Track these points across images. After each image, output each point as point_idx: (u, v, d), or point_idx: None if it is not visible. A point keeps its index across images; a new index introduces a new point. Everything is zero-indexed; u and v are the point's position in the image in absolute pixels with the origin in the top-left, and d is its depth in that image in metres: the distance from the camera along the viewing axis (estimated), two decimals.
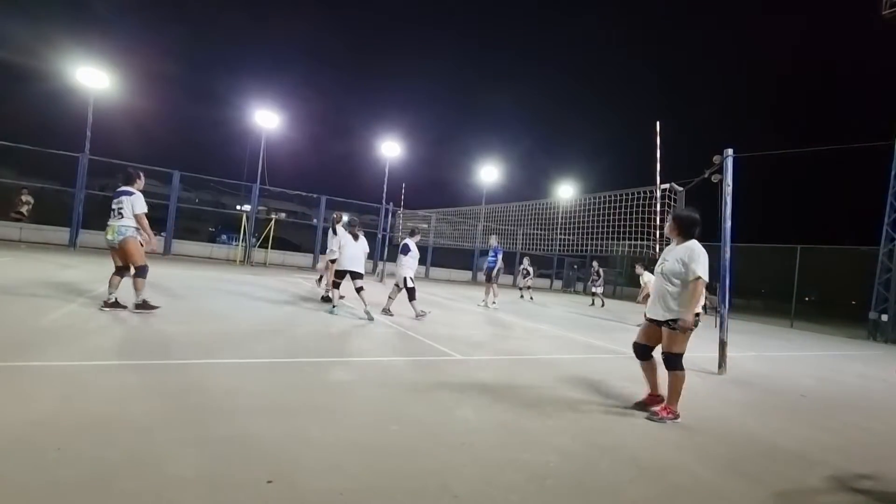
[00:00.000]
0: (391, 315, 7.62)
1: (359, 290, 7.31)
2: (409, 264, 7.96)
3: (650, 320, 3.70)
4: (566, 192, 23.91)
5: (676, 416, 3.50)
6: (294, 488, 1.98)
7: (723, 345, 5.69)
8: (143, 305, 5.46)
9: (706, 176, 6.01)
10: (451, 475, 2.26)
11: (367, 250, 7.80)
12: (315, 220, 20.42)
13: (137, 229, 5.57)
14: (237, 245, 18.67)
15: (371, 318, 6.96)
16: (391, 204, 19.84)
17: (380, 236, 19.01)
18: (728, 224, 5.73)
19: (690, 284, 3.45)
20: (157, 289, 8.00)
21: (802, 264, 15.78)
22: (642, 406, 3.70)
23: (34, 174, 17.45)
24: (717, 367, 5.66)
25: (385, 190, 20.20)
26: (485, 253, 14.60)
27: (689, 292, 3.45)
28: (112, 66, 16.25)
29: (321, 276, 10.51)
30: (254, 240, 18.14)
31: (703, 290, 3.49)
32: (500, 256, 11.67)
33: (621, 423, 3.37)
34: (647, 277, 10.13)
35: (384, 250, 17.89)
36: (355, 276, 7.36)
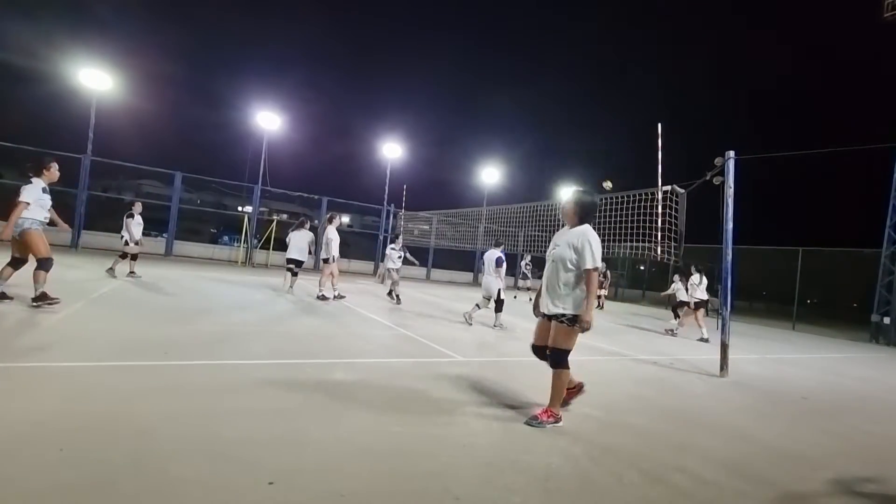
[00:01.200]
0: (471, 325, 7.75)
1: (294, 274, 9.48)
2: (502, 276, 8.10)
3: (542, 315, 3.34)
4: (567, 193, 23.89)
5: (558, 420, 3.14)
6: (295, 489, 1.98)
7: (724, 347, 5.68)
8: (42, 297, 5.15)
9: (708, 178, 6.00)
10: (453, 477, 2.26)
11: (311, 240, 9.74)
12: (317, 222, 20.46)
13: (41, 222, 5.31)
14: (239, 246, 18.70)
15: (289, 294, 9.09)
16: (392, 205, 19.87)
17: (381, 238, 19.02)
18: (730, 226, 5.72)
19: (585, 275, 3.15)
20: (159, 289, 8.01)
21: (804, 267, 15.76)
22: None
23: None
24: (719, 369, 5.65)
25: (387, 191, 20.24)
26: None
27: (583, 284, 3.15)
28: (114, 68, 16.33)
29: (385, 279, 10.96)
30: (255, 241, 18.17)
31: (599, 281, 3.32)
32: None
33: (623, 426, 3.36)
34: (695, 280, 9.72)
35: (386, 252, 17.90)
36: (297, 263, 9.47)
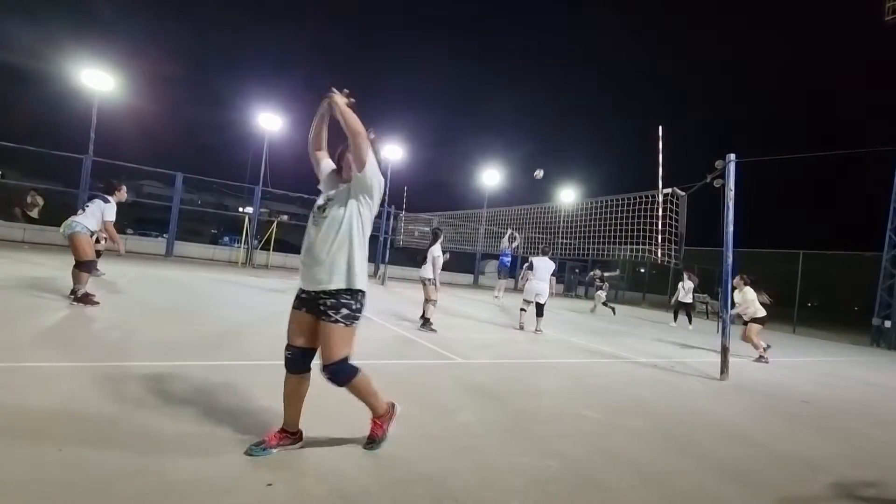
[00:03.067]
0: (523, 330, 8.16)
1: None
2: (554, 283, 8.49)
3: (304, 298, 2.40)
4: (568, 195, 23.91)
5: (392, 416, 2.54)
6: (294, 492, 1.98)
7: (725, 350, 5.67)
8: (83, 298, 5.56)
9: (708, 181, 6.01)
10: (452, 479, 2.26)
11: None
12: None
13: (89, 228, 5.93)
14: (239, 247, 18.70)
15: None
16: (393, 207, 19.89)
17: (381, 239, 19.01)
18: (730, 229, 5.72)
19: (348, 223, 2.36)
20: (160, 290, 8.02)
21: (805, 270, 15.73)
22: (261, 446, 2.26)
23: (39, 175, 17.56)
24: (720, 372, 5.64)
25: (387, 193, 20.21)
26: (489, 256, 15.05)
27: (357, 247, 2.37)
28: (116, 69, 16.33)
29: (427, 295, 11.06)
30: (256, 242, 18.17)
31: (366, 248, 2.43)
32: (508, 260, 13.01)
33: (623, 428, 3.36)
34: (750, 295, 7.76)
35: (386, 253, 17.88)
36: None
